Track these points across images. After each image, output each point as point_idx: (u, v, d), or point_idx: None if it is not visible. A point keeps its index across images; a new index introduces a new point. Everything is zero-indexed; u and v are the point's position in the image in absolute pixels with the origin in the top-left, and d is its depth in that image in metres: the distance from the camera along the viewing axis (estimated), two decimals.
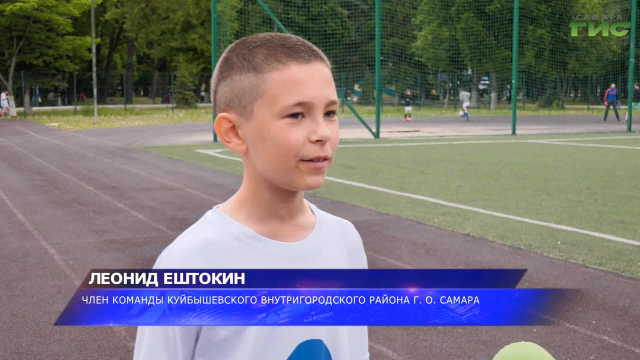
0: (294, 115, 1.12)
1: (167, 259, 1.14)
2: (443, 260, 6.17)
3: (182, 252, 1.13)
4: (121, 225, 7.79)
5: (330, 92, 1.15)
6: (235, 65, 1.16)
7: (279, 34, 1.18)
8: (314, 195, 9.81)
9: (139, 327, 1.15)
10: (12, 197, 9.99)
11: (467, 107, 35.73)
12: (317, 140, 1.12)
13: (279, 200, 1.19)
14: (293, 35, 1.18)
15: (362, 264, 1.34)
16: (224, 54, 1.20)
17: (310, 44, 1.17)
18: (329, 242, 1.25)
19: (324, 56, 1.18)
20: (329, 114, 1.16)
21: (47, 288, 5.38)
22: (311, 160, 1.13)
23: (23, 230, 7.58)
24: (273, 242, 1.18)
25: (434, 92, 58.09)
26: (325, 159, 1.14)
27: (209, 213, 1.22)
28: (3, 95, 38.29)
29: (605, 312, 4.73)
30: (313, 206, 1.29)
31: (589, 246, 6.60)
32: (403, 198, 9.56)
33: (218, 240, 1.15)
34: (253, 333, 1.13)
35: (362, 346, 1.32)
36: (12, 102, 40.37)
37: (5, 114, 37.69)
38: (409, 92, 37.18)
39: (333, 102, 1.15)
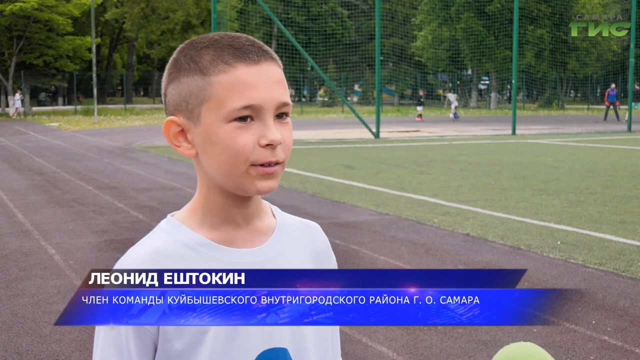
0: (242, 119, 1.08)
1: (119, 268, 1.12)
2: (443, 260, 6.17)
3: (132, 263, 1.10)
4: (121, 225, 7.79)
5: (280, 93, 1.11)
6: (182, 67, 1.13)
7: (229, 33, 1.14)
8: (314, 195, 9.81)
9: (94, 341, 1.12)
10: (12, 197, 9.99)
11: (455, 107, 36.12)
12: (268, 145, 1.09)
13: (232, 206, 1.15)
14: (243, 35, 1.14)
15: (330, 265, 1.28)
16: (173, 55, 1.17)
17: (261, 43, 1.13)
18: (290, 246, 1.20)
19: (276, 56, 1.14)
20: (280, 116, 1.12)
21: (47, 288, 5.39)
22: (262, 165, 1.09)
23: (23, 230, 7.58)
24: (227, 248, 1.14)
25: (440, 92, 58.07)
26: (277, 163, 1.11)
27: (163, 221, 1.18)
28: (17, 95, 38.46)
29: (605, 312, 4.73)
30: (276, 209, 1.25)
31: (589, 246, 6.60)
32: (403, 198, 9.56)
33: (168, 249, 1.12)
34: (210, 344, 1.10)
35: (334, 352, 1.26)
36: (27, 102, 40.59)
37: (19, 114, 37.82)
38: (421, 93, 37.54)
39: (284, 104, 1.11)
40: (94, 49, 34.59)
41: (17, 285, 5.49)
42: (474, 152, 17.00)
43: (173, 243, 1.13)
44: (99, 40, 49.64)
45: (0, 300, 5.12)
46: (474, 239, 6.98)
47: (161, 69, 61.87)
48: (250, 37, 1.14)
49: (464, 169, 13.10)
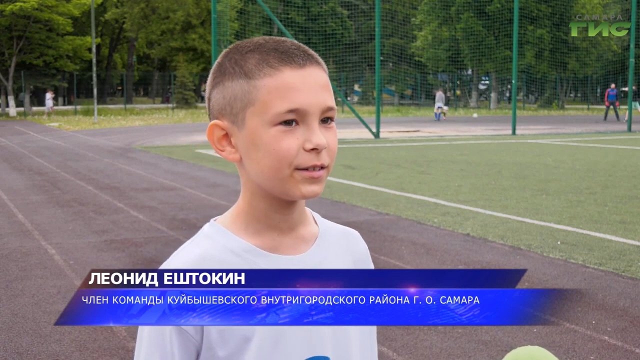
0: (287, 123, 1.08)
1: None
2: (443, 260, 6.17)
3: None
4: (121, 225, 7.79)
5: (326, 98, 1.11)
6: (227, 71, 1.13)
7: (274, 37, 1.14)
8: None
9: (136, 347, 1.12)
10: (12, 197, 9.99)
11: (439, 107, 36.20)
12: (312, 149, 1.08)
13: (276, 211, 1.14)
14: (288, 39, 1.13)
15: None
16: (218, 59, 1.16)
17: (305, 47, 1.13)
18: (332, 254, 1.20)
19: (321, 60, 1.14)
20: (325, 120, 1.11)
21: (47, 288, 5.38)
22: (306, 169, 1.09)
23: (23, 230, 7.58)
24: (272, 255, 1.13)
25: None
26: (322, 167, 1.10)
27: (206, 226, 1.18)
28: (48, 94, 38.72)
29: (605, 312, 4.73)
30: (317, 216, 1.24)
31: (589, 246, 6.60)
32: (403, 198, 9.56)
33: (213, 255, 1.12)
34: (253, 352, 1.09)
35: (372, 358, 1.26)
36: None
37: (49, 114, 38.03)
38: (446, 93, 38.20)
39: (329, 109, 1.11)
40: (94, 49, 34.61)
41: (17, 285, 5.49)
42: (474, 152, 17.00)
43: (217, 249, 1.13)
44: (99, 40, 49.63)
45: (0, 300, 5.12)
46: (474, 239, 6.98)
47: (161, 69, 61.93)
48: (296, 42, 1.14)
49: (464, 169, 13.10)
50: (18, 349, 4.16)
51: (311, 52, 1.13)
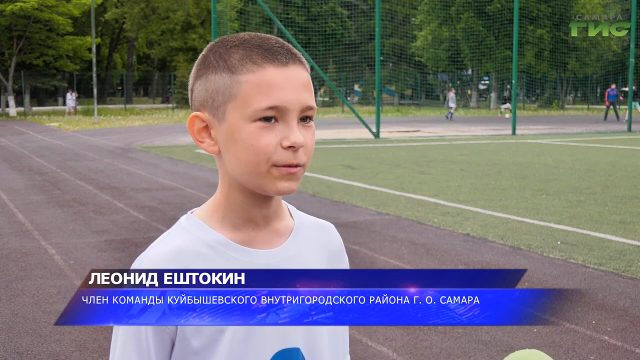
0: (267, 119, 1.09)
1: (139, 267, 1.12)
2: (443, 260, 6.17)
3: (153, 260, 1.11)
4: (121, 225, 7.79)
5: (306, 97, 1.12)
6: (211, 65, 1.14)
7: (259, 34, 1.15)
8: (314, 195, 9.81)
9: (112, 338, 1.13)
10: (12, 197, 9.99)
11: (451, 107, 37.06)
12: (290, 146, 1.09)
13: (253, 205, 1.16)
14: (273, 37, 1.15)
15: (342, 266, 1.29)
16: (203, 52, 1.18)
17: (290, 46, 1.14)
18: (307, 247, 1.21)
19: (304, 60, 1.15)
20: (304, 119, 1.13)
21: (47, 288, 5.38)
22: (283, 166, 1.10)
23: (23, 230, 7.58)
24: (247, 249, 1.15)
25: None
26: (297, 165, 1.11)
27: (182, 218, 1.19)
28: (70, 94, 38.99)
29: (605, 312, 4.73)
30: (292, 209, 1.26)
31: (589, 246, 6.60)
32: (403, 198, 9.56)
33: (189, 247, 1.13)
34: (227, 343, 1.10)
35: (344, 350, 1.29)
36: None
37: (69, 113, 38.22)
38: (506, 94, 38.88)
39: (309, 108, 1.12)
40: (94, 49, 34.60)
41: (17, 285, 5.49)
42: (474, 152, 17.00)
43: (194, 242, 1.14)
44: (99, 40, 49.62)
45: (0, 300, 5.12)
46: (474, 239, 6.98)
47: (161, 69, 61.93)
48: (280, 40, 1.15)
49: (464, 169, 13.10)
50: (18, 349, 4.16)
51: (295, 51, 1.15)
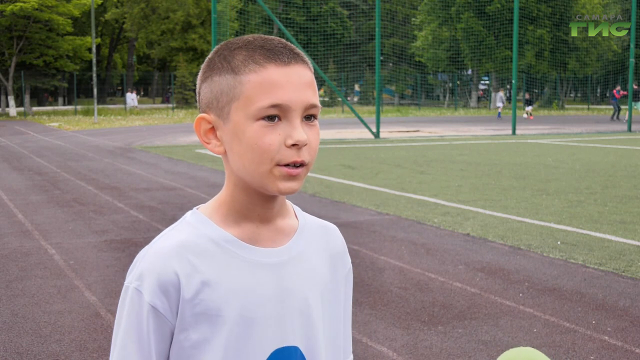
0: (270, 118, 1.10)
1: (143, 260, 1.14)
2: (443, 260, 6.17)
3: (157, 254, 1.13)
4: (121, 225, 7.78)
5: (309, 95, 1.13)
6: (216, 67, 1.16)
7: (262, 35, 1.17)
8: (314, 195, 9.81)
9: (114, 328, 1.14)
10: (12, 197, 9.99)
11: (498, 107, 38.50)
12: (293, 145, 1.10)
13: (257, 204, 1.17)
14: (276, 38, 1.16)
15: (344, 269, 1.30)
16: (209, 55, 1.20)
17: (292, 46, 1.15)
18: (311, 248, 1.23)
19: (306, 59, 1.16)
20: (308, 118, 1.13)
21: (47, 288, 5.38)
22: (287, 165, 1.11)
23: (23, 230, 7.58)
24: (251, 247, 1.16)
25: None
26: (301, 164, 1.12)
27: (188, 214, 1.20)
28: (131, 94, 39.65)
29: (605, 312, 4.73)
30: (297, 209, 1.27)
31: (589, 246, 6.60)
32: (403, 198, 9.56)
33: (194, 242, 1.14)
34: (225, 336, 1.11)
35: (346, 350, 1.29)
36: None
37: (130, 111, 38.68)
38: (527, 95, 39.74)
39: (312, 106, 1.13)
40: (94, 49, 34.61)
41: (17, 285, 5.49)
42: (474, 152, 17.00)
43: (199, 237, 1.15)
44: (99, 40, 49.63)
45: (0, 300, 5.12)
46: (474, 239, 6.98)
47: (161, 69, 61.93)
48: (283, 40, 1.16)
49: (464, 169, 13.10)
50: (18, 349, 4.16)
51: (297, 50, 1.16)
